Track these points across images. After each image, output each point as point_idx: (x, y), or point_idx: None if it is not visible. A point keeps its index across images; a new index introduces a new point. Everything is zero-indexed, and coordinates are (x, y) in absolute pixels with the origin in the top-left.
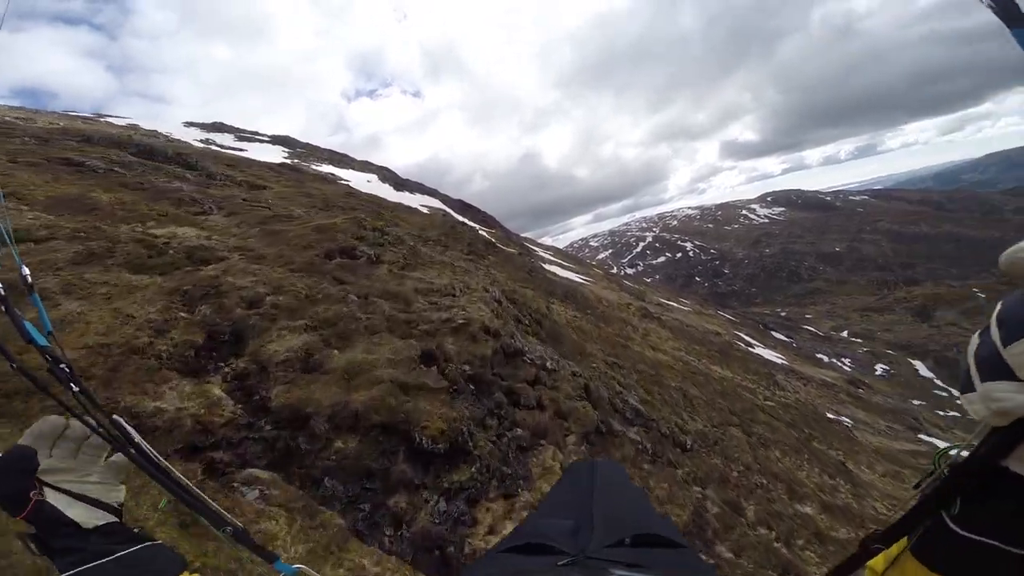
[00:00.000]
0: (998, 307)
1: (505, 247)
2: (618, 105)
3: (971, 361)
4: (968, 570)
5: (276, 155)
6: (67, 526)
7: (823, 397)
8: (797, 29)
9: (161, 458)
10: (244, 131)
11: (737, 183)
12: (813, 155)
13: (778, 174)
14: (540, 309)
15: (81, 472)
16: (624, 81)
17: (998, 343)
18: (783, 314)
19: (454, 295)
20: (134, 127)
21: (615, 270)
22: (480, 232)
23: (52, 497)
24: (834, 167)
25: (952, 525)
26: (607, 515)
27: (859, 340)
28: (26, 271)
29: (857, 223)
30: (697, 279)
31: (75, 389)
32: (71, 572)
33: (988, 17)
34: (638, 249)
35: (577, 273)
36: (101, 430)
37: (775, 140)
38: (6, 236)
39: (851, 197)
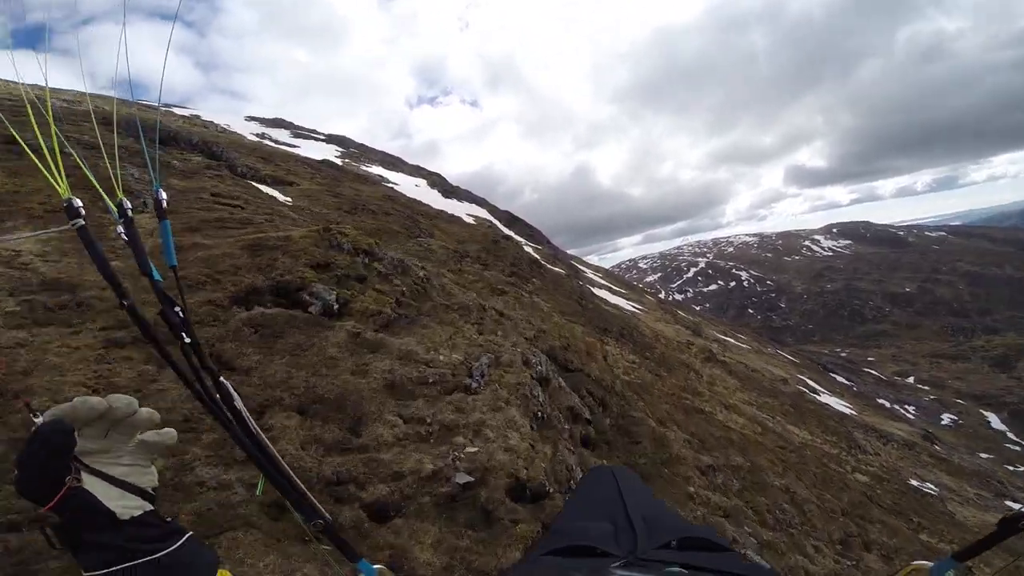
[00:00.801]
0: None
1: (552, 266)
2: (677, 125)
3: None
4: None
5: (328, 153)
6: (102, 515)
7: (904, 459)
8: (879, 50)
9: (263, 435)
10: (302, 128)
11: (801, 211)
12: (886, 186)
13: (846, 204)
14: (604, 379)
15: (114, 453)
16: (684, 100)
17: None
18: (843, 355)
19: (467, 389)
20: (194, 118)
21: (663, 294)
22: (525, 248)
23: (89, 482)
24: (909, 199)
25: None
26: (646, 517)
27: (926, 387)
28: (163, 195)
29: (932, 262)
30: (750, 311)
31: (186, 339)
32: (102, 572)
33: None
34: (689, 275)
35: (628, 300)
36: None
37: (845, 168)
38: (147, 159)
39: (927, 233)
